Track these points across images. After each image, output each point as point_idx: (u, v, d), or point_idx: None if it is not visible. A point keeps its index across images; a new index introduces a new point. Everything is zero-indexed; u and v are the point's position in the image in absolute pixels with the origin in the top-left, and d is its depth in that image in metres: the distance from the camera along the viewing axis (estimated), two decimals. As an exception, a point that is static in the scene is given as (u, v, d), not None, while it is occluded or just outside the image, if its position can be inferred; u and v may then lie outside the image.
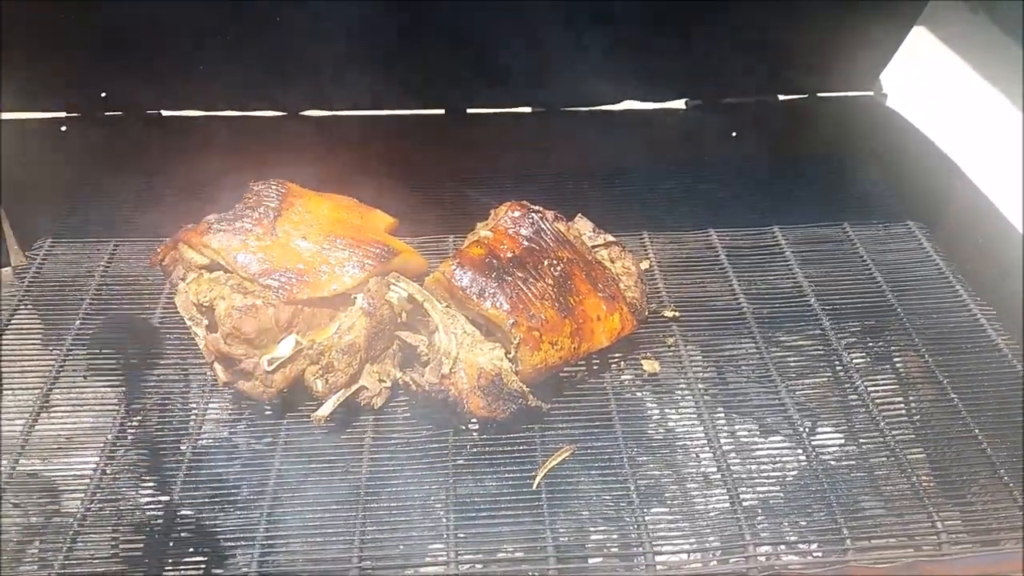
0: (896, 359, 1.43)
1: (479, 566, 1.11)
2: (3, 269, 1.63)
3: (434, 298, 1.28)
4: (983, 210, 1.55)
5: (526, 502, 1.15)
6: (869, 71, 1.83)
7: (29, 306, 1.46)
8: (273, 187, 1.40)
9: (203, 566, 1.10)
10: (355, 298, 1.29)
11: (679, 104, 1.87)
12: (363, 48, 1.62)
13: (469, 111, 1.78)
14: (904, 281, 1.54)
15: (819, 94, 1.86)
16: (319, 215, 1.39)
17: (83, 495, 1.15)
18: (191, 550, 1.11)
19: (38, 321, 1.45)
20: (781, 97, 1.87)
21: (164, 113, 1.74)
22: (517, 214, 1.35)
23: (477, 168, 1.75)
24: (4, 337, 1.39)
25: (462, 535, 1.12)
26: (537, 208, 1.37)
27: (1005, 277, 1.46)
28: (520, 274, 1.27)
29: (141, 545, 1.10)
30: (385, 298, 1.28)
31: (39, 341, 1.41)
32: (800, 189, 1.76)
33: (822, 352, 1.42)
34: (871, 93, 1.85)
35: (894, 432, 1.26)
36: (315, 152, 1.71)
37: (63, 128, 1.71)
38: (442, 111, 1.77)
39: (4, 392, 1.32)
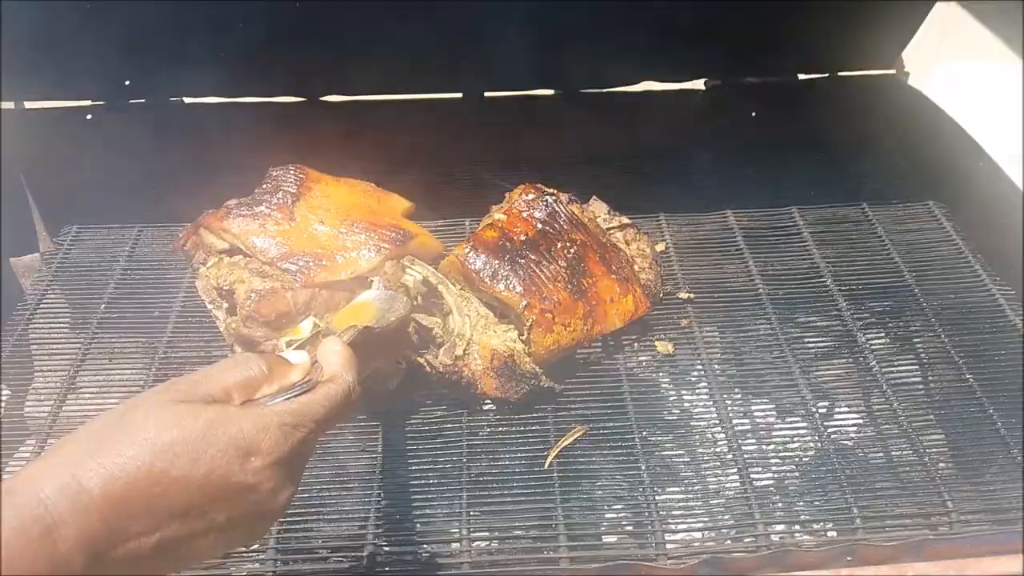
0: (913, 340, 1.42)
1: (493, 543, 1.13)
2: (32, 255, 1.67)
3: (448, 281, 1.29)
4: (1005, 191, 1.54)
5: (538, 481, 1.17)
6: (891, 49, 1.81)
7: (57, 291, 1.50)
8: (291, 172, 1.42)
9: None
10: (371, 281, 1.31)
11: (698, 84, 1.87)
12: (382, 33, 1.63)
13: (487, 95, 1.79)
14: (923, 261, 1.53)
15: (840, 73, 1.84)
16: (336, 200, 1.41)
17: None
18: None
19: (65, 305, 1.48)
20: (801, 76, 1.85)
21: (186, 100, 1.77)
22: (531, 197, 1.36)
23: (493, 151, 1.76)
24: (33, 321, 1.43)
25: (475, 513, 1.13)
26: (551, 191, 1.38)
27: (1025, 257, 1.44)
28: (533, 256, 1.28)
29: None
30: (401, 281, 1.30)
31: (67, 325, 1.45)
32: (820, 169, 1.75)
33: (838, 333, 1.42)
34: (893, 71, 1.83)
35: (909, 413, 1.26)
36: (334, 137, 1.73)
37: (88, 116, 1.74)
38: (459, 95, 1.78)
39: (34, 374, 1.36)
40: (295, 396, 0.74)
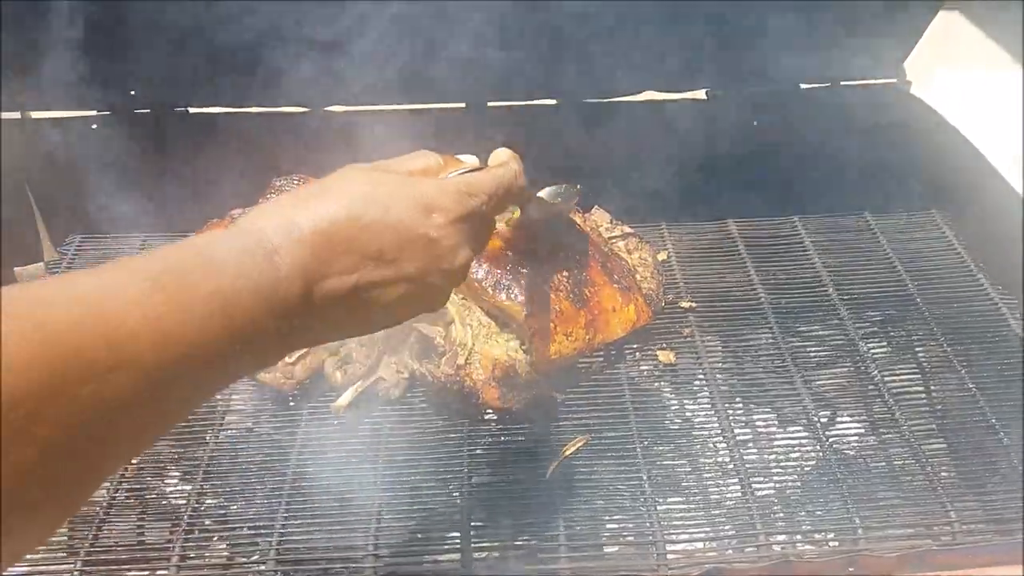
0: (915, 348, 1.42)
1: (494, 553, 1.13)
2: (36, 264, 1.68)
3: (450, 290, 1.29)
4: (1008, 200, 1.53)
5: (540, 491, 1.17)
6: (892, 58, 1.81)
7: (61, 300, 1.50)
8: (295, 183, 1.43)
9: (224, 553, 1.14)
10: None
11: (700, 94, 1.87)
12: (385, 44, 1.63)
13: (489, 104, 1.79)
14: (925, 270, 1.53)
15: (841, 82, 1.84)
16: (339, 209, 1.41)
17: (109, 484, 1.19)
18: (213, 537, 1.15)
19: (69, 315, 1.48)
20: (803, 86, 1.85)
21: (191, 110, 1.78)
22: (533, 206, 1.36)
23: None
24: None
25: (476, 523, 1.13)
26: (553, 200, 1.37)
27: (1029, 266, 1.44)
28: (535, 266, 1.28)
29: (165, 532, 1.13)
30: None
31: (70, 334, 1.45)
32: (821, 178, 1.74)
33: (840, 342, 1.41)
34: (894, 80, 1.83)
35: (911, 422, 1.26)
36: (337, 147, 1.73)
37: (93, 126, 1.75)
38: (462, 104, 1.79)
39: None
40: (468, 172, 0.85)
